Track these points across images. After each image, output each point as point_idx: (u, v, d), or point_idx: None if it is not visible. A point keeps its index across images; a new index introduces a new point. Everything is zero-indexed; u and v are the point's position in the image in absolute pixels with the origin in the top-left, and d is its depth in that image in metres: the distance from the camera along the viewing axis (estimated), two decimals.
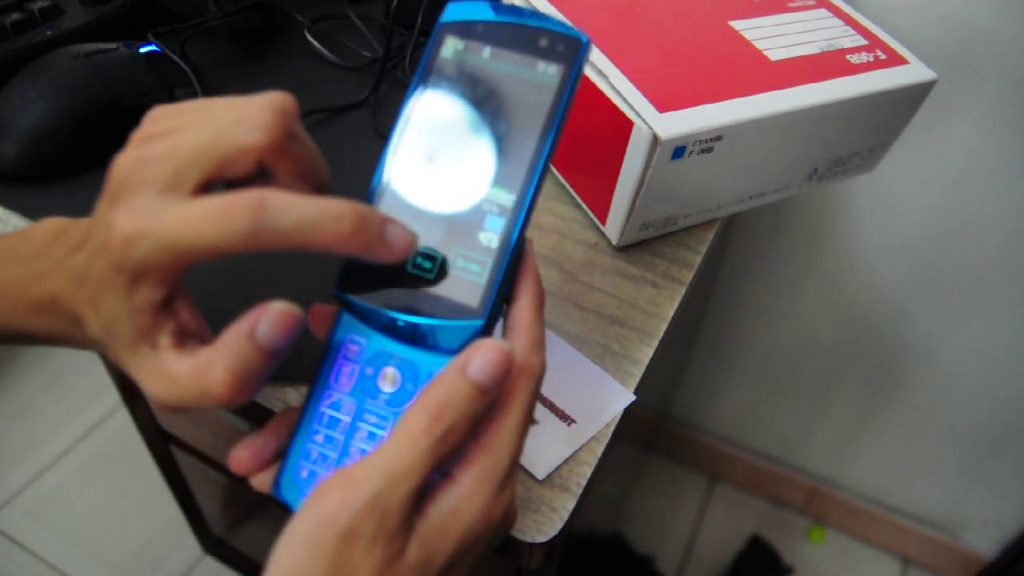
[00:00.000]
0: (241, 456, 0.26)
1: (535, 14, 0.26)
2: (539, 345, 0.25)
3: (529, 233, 0.28)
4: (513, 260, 0.25)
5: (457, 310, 0.24)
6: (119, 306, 0.24)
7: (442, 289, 0.25)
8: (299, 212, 0.22)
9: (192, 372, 0.23)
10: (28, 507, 1.16)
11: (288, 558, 0.21)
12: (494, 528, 0.24)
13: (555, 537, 0.32)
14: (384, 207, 0.25)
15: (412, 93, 0.26)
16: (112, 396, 1.28)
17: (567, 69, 0.25)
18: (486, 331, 0.25)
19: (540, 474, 0.33)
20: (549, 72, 0.25)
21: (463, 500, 0.23)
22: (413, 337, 0.25)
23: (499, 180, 0.25)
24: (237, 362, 0.23)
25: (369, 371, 0.25)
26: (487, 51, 0.26)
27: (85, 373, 1.33)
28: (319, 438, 0.25)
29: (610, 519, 1.02)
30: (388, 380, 0.25)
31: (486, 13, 0.26)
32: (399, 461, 0.22)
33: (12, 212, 0.43)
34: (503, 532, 0.26)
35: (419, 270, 0.25)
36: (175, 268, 0.23)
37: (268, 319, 0.23)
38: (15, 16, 0.48)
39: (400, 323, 0.25)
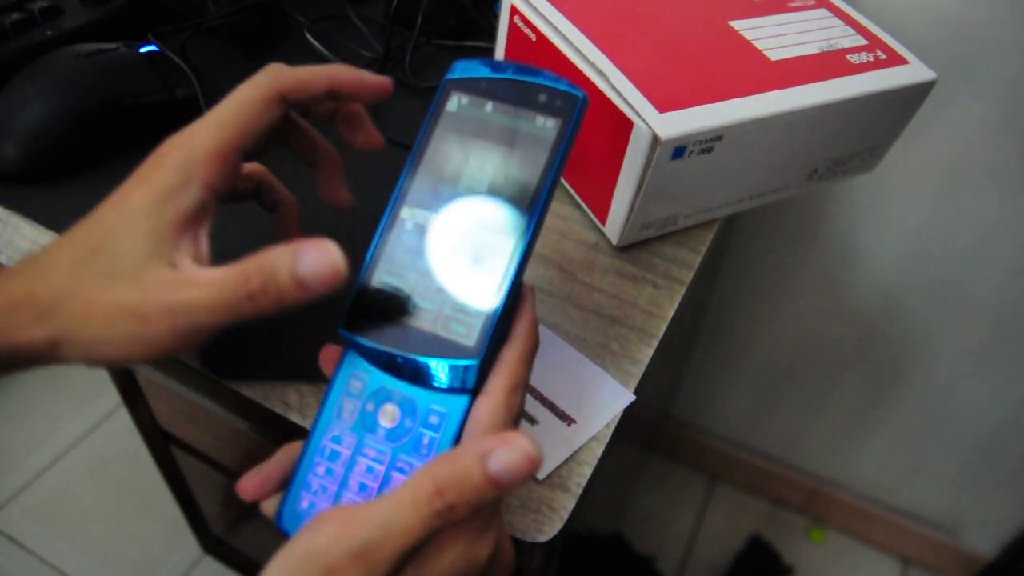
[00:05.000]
0: (247, 485, 0.27)
1: (536, 71, 0.27)
2: (519, 387, 0.26)
3: None
4: (509, 303, 0.26)
5: (454, 349, 0.25)
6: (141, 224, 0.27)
7: (441, 329, 0.26)
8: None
9: (235, 273, 0.25)
10: (28, 507, 1.16)
11: None
12: (480, 568, 0.24)
13: (555, 537, 0.32)
14: (388, 248, 0.27)
15: (418, 144, 0.28)
16: (112, 396, 1.28)
17: (564, 123, 0.27)
18: (482, 370, 0.25)
19: (540, 474, 0.33)
20: (547, 126, 0.27)
21: (446, 537, 0.23)
22: (412, 374, 0.26)
23: (497, 227, 0.26)
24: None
25: (370, 407, 0.26)
26: (489, 106, 0.27)
27: (85, 373, 1.33)
28: (320, 470, 0.26)
29: (610, 519, 1.02)
30: (387, 416, 0.26)
31: (489, 71, 0.28)
32: (398, 520, 0.22)
33: (12, 212, 0.43)
34: (497, 574, 0.26)
35: (420, 311, 0.26)
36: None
37: (311, 258, 0.24)
38: (15, 16, 0.48)
39: (399, 360, 0.26)
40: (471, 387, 0.26)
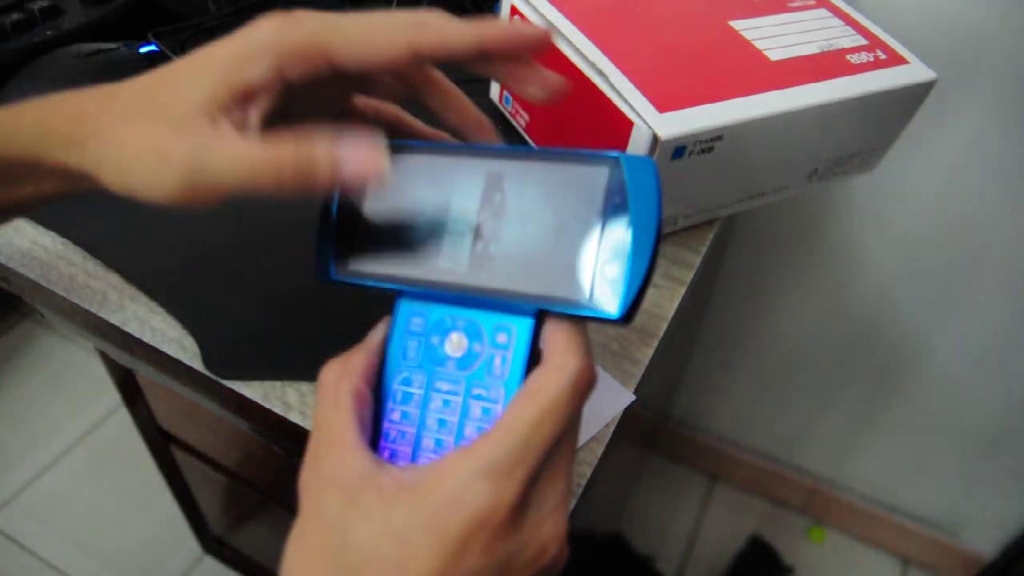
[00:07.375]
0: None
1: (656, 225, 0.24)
2: (574, 347, 0.25)
3: None
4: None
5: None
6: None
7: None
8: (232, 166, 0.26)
9: (271, 148, 0.25)
10: (28, 507, 1.16)
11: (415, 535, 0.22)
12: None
13: None
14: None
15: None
16: (112, 396, 1.27)
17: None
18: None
19: None
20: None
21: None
22: (474, 299, 0.25)
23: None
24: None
25: (435, 340, 0.26)
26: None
27: (85, 373, 1.33)
28: (396, 415, 0.26)
29: (610, 519, 1.02)
30: (454, 345, 0.25)
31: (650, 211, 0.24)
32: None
33: None
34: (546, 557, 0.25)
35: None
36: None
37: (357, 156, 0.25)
38: (15, 16, 0.48)
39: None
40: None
